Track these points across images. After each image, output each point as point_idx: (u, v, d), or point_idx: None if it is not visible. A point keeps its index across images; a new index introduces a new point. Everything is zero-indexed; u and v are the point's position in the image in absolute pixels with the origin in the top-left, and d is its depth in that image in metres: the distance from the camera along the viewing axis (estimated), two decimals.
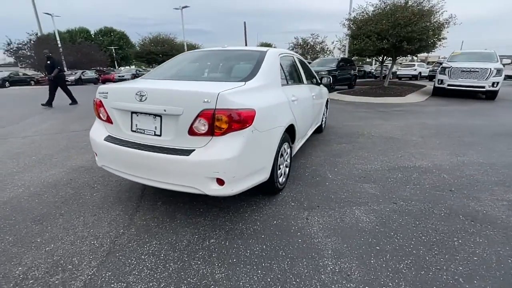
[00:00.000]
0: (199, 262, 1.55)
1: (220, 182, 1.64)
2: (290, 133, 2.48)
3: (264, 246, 1.68)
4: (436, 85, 9.49)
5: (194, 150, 1.65)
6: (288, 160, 2.52)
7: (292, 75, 2.88)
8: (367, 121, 5.55)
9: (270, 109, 1.94)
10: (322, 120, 4.46)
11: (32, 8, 22.34)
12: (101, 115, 2.01)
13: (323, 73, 10.94)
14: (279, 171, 2.24)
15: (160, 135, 1.75)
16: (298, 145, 2.87)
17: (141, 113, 1.80)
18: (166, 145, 1.73)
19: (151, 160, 1.71)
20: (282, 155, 2.28)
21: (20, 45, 23.07)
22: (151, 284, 1.39)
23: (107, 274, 1.46)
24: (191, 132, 1.64)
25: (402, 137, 4.29)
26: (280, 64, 2.48)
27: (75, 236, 1.79)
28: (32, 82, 24.06)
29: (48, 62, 7.71)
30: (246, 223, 1.93)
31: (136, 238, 1.77)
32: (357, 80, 14.88)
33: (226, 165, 1.60)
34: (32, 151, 3.60)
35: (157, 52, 23.53)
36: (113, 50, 42.94)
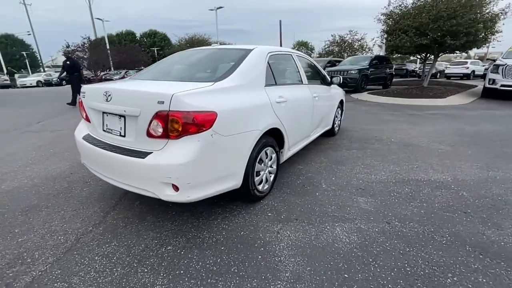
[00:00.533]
0: (146, 270, 1.49)
1: (175, 187, 1.56)
2: (276, 137, 2.31)
3: (218, 260, 1.56)
4: (487, 85, 8.26)
5: (151, 153, 1.59)
6: (274, 166, 2.35)
7: (285, 75, 2.69)
8: (391, 125, 5.03)
9: (239, 111, 1.80)
10: (335, 123, 4.13)
11: (87, 14, 24.92)
12: (82, 114, 2.07)
13: (353, 72, 10.31)
14: (257, 178, 2.08)
15: (124, 136, 1.73)
16: (291, 150, 2.66)
17: (109, 113, 1.80)
18: (128, 147, 1.71)
19: (114, 160, 1.70)
20: (262, 161, 2.12)
21: (75, 48, 25.87)
22: None
23: (56, 272, 1.48)
24: (149, 134, 1.58)
25: (426, 145, 3.77)
26: (268, 63, 2.31)
27: (48, 230, 1.87)
28: (85, 81, 26.94)
29: (68, 62, 8.18)
30: (212, 232, 1.83)
31: (99, 238, 1.78)
32: (397, 79, 13.76)
33: (179, 171, 1.51)
34: (52, 145, 3.95)
35: None
36: (155, 51, 45.97)
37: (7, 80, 26.91)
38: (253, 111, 1.92)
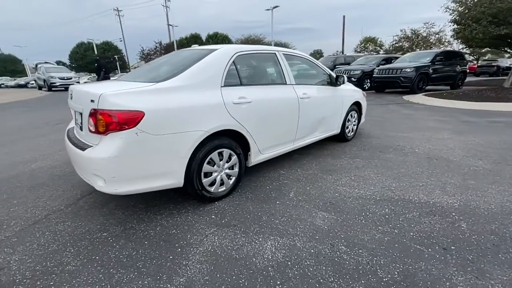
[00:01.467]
0: (72, 251, 1.65)
1: (104, 179, 1.69)
2: (238, 139, 2.24)
3: (134, 253, 1.63)
4: None
5: (91, 146, 1.76)
6: (236, 169, 2.28)
7: (259, 75, 2.56)
8: (427, 133, 4.24)
9: (175, 111, 1.81)
10: (347, 127, 3.74)
11: (157, 20, 28.36)
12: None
13: (408, 70, 9.06)
14: (206, 179, 2.07)
15: (82, 130, 1.96)
16: (266, 154, 2.54)
17: (74, 110, 2.06)
18: (83, 140, 1.92)
19: (71, 151, 1.94)
20: (214, 162, 2.09)
21: (149, 51, 29.83)
22: (18, 256, 1.60)
23: (13, 240, 1.78)
24: (89, 129, 1.75)
25: (458, 160, 3.07)
26: (234, 63, 2.25)
27: (34, 204, 2.25)
28: None
29: (96, 65, 9.61)
30: (148, 226, 1.91)
31: (62, 216, 2.06)
32: (479, 79, 11.43)
33: (102, 164, 1.64)
34: None
35: None
36: None
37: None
38: (196, 112, 1.91)
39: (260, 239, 1.73)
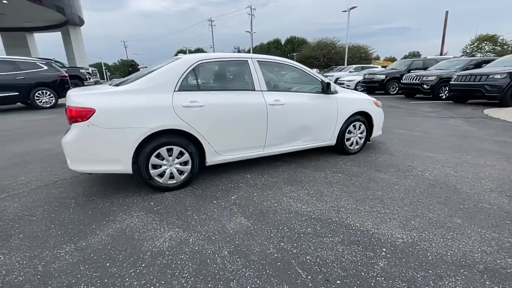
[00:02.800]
0: (45, 207, 2.25)
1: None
2: (194, 138, 2.46)
3: (76, 217, 2.09)
4: None
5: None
6: (188, 166, 2.52)
7: (221, 81, 2.71)
8: (464, 156, 3.41)
9: (124, 110, 2.18)
10: (346, 139, 3.42)
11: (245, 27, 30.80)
12: None
13: (497, 76, 7.17)
14: (154, 171, 2.38)
15: None
16: (226, 156, 2.67)
17: None
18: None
19: None
20: (163, 157, 2.39)
21: None
22: (17, 204, 2.29)
23: (19, 197, 2.53)
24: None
25: (473, 193, 2.42)
26: (193, 71, 2.49)
27: (49, 173, 3.05)
28: None
29: (130, 69, 10.87)
30: (105, 201, 2.36)
31: (62, 184, 2.74)
32: None
33: (66, 147, 2.16)
34: None
35: (316, 56, 24.68)
36: (294, 56, 49.62)
37: None
38: (142, 111, 2.24)
39: (166, 229, 1.93)
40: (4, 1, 13.37)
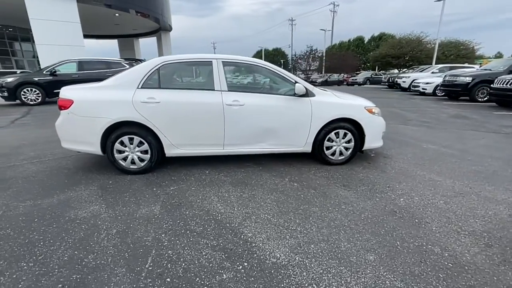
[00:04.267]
0: (58, 173, 2.99)
1: None
2: (151, 131, 2.79)
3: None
4: None
5: None
6: (147, 155, 2.85)
7: (183, 81, 2.86)
8: (481, 184, 2.59)
9: (94, 102, 2.66)
10: (327, 148, 3.11)
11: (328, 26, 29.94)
12: None
13: None
14: (118, 155, 2.81)
15: None
16: (183, 150, 2.88)
17: None
18: None
19: None
20: (125, 144, 2.79)
21: (298, 57, 32.21)
22: (36, 167, 3.11)
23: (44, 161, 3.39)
24: None
25: (437, 228, 1.90)
26: (158, 70, 2.78)
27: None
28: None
29: None
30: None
31: (78, 156, 3.53)
32: None
33: (57, 129, 2.81)
34: None
35: (395, 55, 21.53)
36: (370, 56, 44.56)
37: None
38: (108, 104, 2.67)
39: (97, 203, 2.29)
40: (116, 14, 17.16)
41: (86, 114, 2.70)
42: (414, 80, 13.83)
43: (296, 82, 2.94)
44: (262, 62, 3.02)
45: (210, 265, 1.56)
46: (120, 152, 2.83)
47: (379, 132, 3.20)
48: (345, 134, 3.09)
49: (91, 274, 1.49)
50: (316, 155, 3.14)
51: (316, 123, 2.98)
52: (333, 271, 1.52)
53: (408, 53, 20.70)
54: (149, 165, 2.91)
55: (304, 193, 2.49)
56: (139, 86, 2.75)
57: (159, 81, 2.81)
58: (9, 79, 8.36)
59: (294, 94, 2.91)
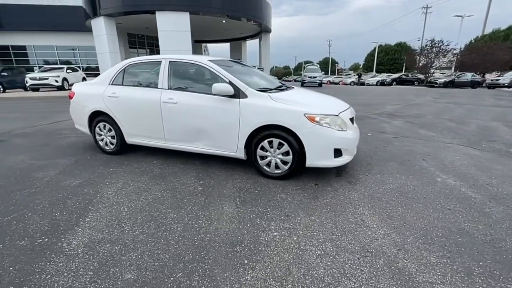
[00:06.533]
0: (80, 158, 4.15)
1: None
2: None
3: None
4: None
5: None
6: (115, 141, 3.47)
7: (138, 79, 3.21)
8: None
9: (83, 95, 3.49)
10: (261, 157, 2.76)
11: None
12: None
13: None
14: (98, 137, 3.57)
15: None
16: (135, 139, 3.33)
17: None
18: None
19: None
20: (100, 128, 3.51)
21: (415, 51, 26.38)
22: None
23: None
24: None
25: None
26: (124, 70, 3.29)
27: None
28: (416, 83, 27.15)
29: None
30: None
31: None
32: None
33: (71, 113, 3.86)
34: None
35: None
36: None
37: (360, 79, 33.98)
38: (89, 96, 3.43)
39: (70, 169, 3.06)
40: (223, 21, 19.85)
41: (79, 103, 3.59)
42: None
43: (230, 82, 2.74)
44: (201, 61, 2.97)
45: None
46: (99, 135, 3.58)
47: (327, 147, 2.49)
48: (280, 144, 2.62)
49: None
50: (253, 163, 2.82)
51: (245, 128, 2.68)
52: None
53: None
54: (116, 149, 3.52)
55: (202, 194, 2.36)
56: (110, 83, 3.37)
57: (122, 79, 3.33)
58: None
59: (223, 95, 2.73)
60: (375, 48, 56.24)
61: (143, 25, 16.97)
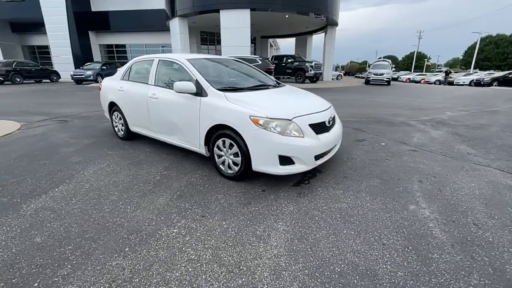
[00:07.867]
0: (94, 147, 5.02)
1: None
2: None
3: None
4: None
5: None
6: (123, 127, 4.06)
7: (138, 75, 3.58)
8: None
9: (105, 87, 4.18)
10: (218, 156, 2.81)
11: None
12: None
13: None
14: (114, 123, 4.24)
15: None
16: (136, 128, 3.80)
17: None
18: None
19: None
20: (115, 117, 4.15)
21: None
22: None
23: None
24: None
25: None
26: (130, 67, 3.79)
27: None
28: None
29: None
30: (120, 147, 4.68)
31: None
32: None
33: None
34: None
35: None
36: None
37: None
38: (108, 89, 4.08)
39: (77, 150, 3.81)
40: (286, 16, 19.63)
41: (103, 94, 4.31)
42: None
43: (196, 80, 2.85)
44: (179, 59, 3.15)
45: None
46: (115, 122, 4.24)
47: (269, 152, 2.33)
48: (232, 145, 2.59)
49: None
50: (209, 156, 2.90)
51: (203, 125, 2.75)
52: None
53: None
54: (125, 135, 4.11)
55: (144, 185, 2.61)
56: (121, 78, 3.93)
57: (128, 75, 3.84)
58: None
59: (184, 92, 2.85)
60: (479, 40, 45.73)
61: (213, 23, 18.40)
